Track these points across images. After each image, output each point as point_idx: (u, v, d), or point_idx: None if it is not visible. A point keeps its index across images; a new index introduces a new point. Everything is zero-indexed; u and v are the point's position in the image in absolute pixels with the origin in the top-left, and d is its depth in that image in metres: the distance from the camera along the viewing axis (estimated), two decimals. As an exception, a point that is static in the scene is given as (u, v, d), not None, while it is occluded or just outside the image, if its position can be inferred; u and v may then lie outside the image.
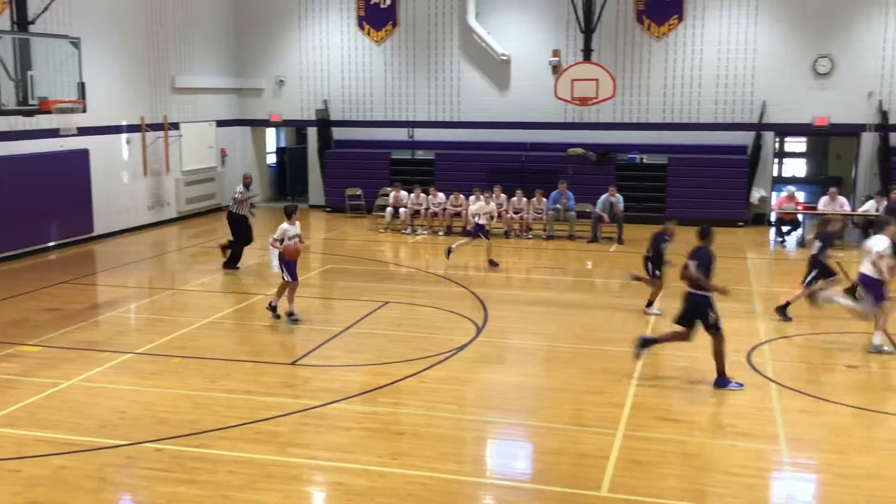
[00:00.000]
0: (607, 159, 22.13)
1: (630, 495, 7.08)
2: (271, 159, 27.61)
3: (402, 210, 20.94)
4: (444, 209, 20.57)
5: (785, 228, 19.87)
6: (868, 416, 8.84)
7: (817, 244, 12.52)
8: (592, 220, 19.74)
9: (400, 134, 24.08)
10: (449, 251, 16.71)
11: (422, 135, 23.90)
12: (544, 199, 20.22)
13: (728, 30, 22.02)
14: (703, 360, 10.66)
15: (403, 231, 20.71)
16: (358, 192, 23.44)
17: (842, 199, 19.37)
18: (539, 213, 20.20)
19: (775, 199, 21.96)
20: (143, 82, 21.28)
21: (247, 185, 16.50)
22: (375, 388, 9.67)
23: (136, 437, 8.29)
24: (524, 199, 20.27)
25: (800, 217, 19.79)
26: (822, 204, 19.33)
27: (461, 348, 11.19)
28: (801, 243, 19.21)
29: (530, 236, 20.02)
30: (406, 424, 8.73)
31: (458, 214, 20.53)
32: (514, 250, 18.80)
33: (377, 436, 8.42)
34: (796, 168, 31.41)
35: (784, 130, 23.33)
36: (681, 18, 22.28)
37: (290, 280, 12.36)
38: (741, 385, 9.64)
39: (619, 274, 16.09)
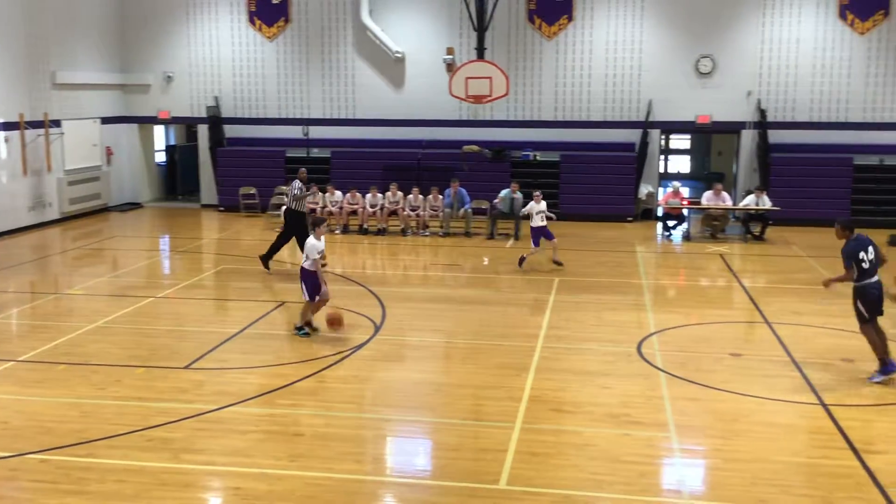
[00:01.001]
0: (502, 157, 22.42)
1: (528, 487, 7.21)
2: (160, 157, 26.79)
3: (297, 209, 20.66)
4: (341, 207, 20.43)
5: (671, 223, 20.59)
6: (751, 402, 9.25)
7: None
8: (489, 217, 19.98)
9: (294, 132, 23.76)
10: (522, 260, 16.15)
11: (317, 132, 23.65)
12: (441, 197, 20.34)
13: (615, 30, 22.64)
14: (595, 352, 10.95)
15: (299, 230, 20.44)
16: (252, 191, 23.02)
17: (725, 194, 20.20)
18: (435, 211, 20.30)
19: (662, 194, 22.73)
20: (20, 78, 20.31)
21: (303, 181, 15.91)
22: (273, 390, 9.52)
23: (20, 447, 7.93)
24: (420, 197, 20.34)
25: (685, 212, 20.53)
26: (706, 199, 20.11)
27: (359, 347, 11.14)
28: (687, 237, 19.98)
29: (427, 234, 20.09)
30: (304, 426, 8.63)
31: (354, 213, 20.43)
32: (411, 248, 18.85)
33: (275, 438, 8.30)
34: (681, 164, 32.62)
35: (669, 128, 24.18)
36: (570, 18, 22.77)
37: (311, 301, 11.46)
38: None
39: (516, 269, 16.34)
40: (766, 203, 19.62)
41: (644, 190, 22.60)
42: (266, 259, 15.66)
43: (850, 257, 9.79)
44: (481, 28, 20.36)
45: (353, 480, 7.41)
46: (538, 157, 22.74)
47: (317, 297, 11.39)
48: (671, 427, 8.53)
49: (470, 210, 20.20)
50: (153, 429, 8.40)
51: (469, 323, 12.58)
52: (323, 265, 11.37)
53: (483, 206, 20.42)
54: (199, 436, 8.30)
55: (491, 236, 19.68)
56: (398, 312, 12.95)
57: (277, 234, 16.02)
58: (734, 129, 22.77)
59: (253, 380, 9.96)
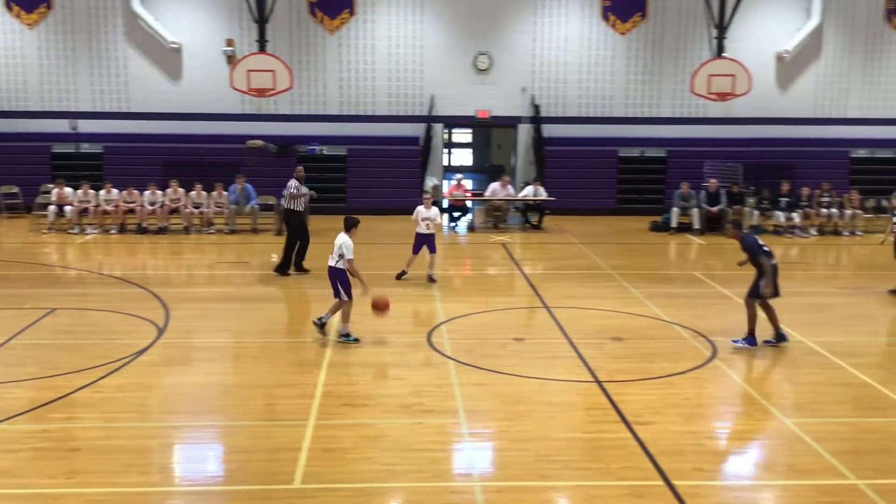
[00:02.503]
0: (288, 151, 22.14)
1: (322, 484, 7.19)
2: None
3: (67, 208, 19.35)
4: (117, 206, 19.34)
5: (456, 214, 21.22)
6: (534, 384, 9.73)
7: None
8: (277, 213, 19.66)
9: (61, 125, 22.21)
10: (401, 274, 14.98)
11: (87, 126, 22.24)
12: (225, 193, 19.77)
13: (397, 25, 22.98)
14: (386, 344, 11.10)
15: (70, 231, 19.17)
16: (14, 190, 21.28)
17: (510, 185, 21.12)
18: (220, 207, 19.71)
19: (447, 187, 23.36)
20: None
21: (300, 180, 14.82)
22: (44, 404, 8.86)
23: None
24: (204, 194, 19.66)
25: (468, 203, 21.23)
26: (493, 190, 20.92)
27: (141, 352, 10.61)
28: (472, 227, 20.68)
29: (212, 231, 19.48)
30: (82, 439, 8.10)
31: (132, 211, 19.41)
32: (195, 246, 18.19)
33: (49, 455, 7.73)
34: (464, 157, 33.71)
35: (451, 122, 24.90)
36: (352, 13, 22.84)
37: (346, 299, 10.92)
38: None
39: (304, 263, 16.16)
40: (543, 194, 20.71)
41: (430, 183, 23.13)
42: (283, 269, 14.98)
43: (758, 245, 10.76)
44: (262, 20, 19.98)
45: (139, 493, 7.06)
46: (325, 152, 22.67)
47: (346, 298, 10.94)
48: (461, 413, 8.81)
49: (257, 206, 19.80)
50: None
51: (258, 321, 12.32)
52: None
53: (270, 202, 20.08)
54: (-40, 460, 7.58)
55: (279, 233, 19.36)
56: (183, 314, 12.46)
57: (285, 240, 15.19)
58: (511, 123, 23.82)
59: (21, 394, 9.21)
